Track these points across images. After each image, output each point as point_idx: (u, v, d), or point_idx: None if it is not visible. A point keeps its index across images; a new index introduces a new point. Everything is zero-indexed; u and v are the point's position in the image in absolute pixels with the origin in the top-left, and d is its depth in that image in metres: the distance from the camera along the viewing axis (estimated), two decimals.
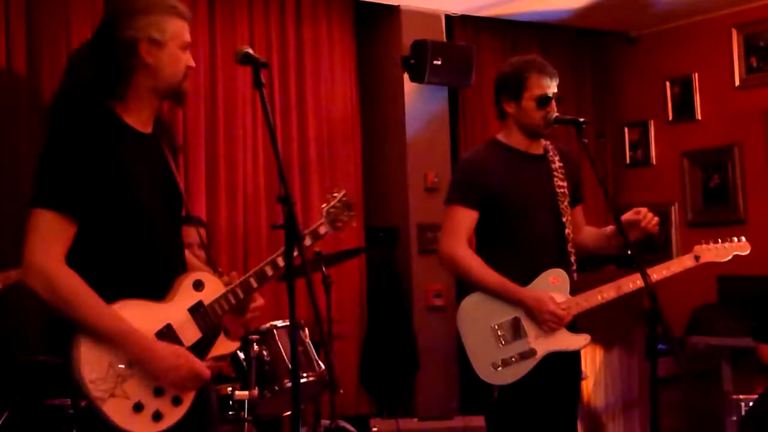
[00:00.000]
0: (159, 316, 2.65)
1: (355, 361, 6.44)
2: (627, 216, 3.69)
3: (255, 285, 2.81)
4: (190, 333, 2.70)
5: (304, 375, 4.60)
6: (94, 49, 2.68)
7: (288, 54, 6.33)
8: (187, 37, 2.75)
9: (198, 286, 2.74)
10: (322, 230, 2.98)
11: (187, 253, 2.92)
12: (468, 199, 3.73)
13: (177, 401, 2.62)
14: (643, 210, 3.68)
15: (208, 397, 2.88)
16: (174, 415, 2.62)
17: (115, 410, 2.52)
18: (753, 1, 6.81)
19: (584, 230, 3.99)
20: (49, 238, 2.54)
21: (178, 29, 2.71)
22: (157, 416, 2.58)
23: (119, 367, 2.55)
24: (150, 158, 2.74)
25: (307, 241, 2.93)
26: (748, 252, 3.85)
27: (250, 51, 2.72)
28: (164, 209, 2.75)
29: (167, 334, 2.64)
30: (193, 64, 2.77)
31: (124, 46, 2.65)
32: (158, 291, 2.68)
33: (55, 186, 2.56)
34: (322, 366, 4.71)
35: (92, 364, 2.52)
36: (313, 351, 4.80)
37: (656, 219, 3.70)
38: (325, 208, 3.01)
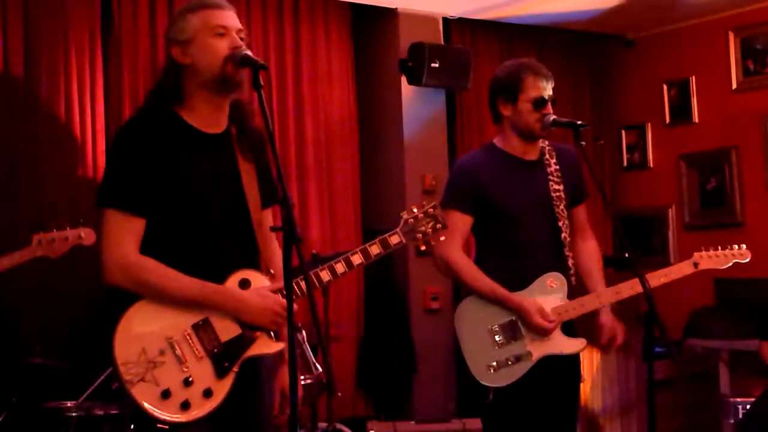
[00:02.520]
0: (201, 308, 2.76)
1: (352, 364, 6.43)
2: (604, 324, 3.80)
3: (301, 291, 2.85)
4: (229, 329, 2.78)
5: (302, 377, 4.59)
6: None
7: (285, 56, 6.33)
8: (220, 22, 2.80)
9: (244, 284, 2.82)
10: (394, 240, 3.01)
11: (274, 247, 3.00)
12: (462, 204, 3.74)
13: (208, 394, 2.71)
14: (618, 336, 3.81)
15: (260, 393, 2.93)
16: (204, 407, 2.71)
17: (143, 394, 2.66)
18: (750, 4, 6.81)
19: (580, 248, 3.95)
20: (120, 235, 2.72)
21: (203, 20, 2.80)
22: (185, 405, 2.69)
23: (151, 354, 2.69)
24: (212, 157, 2.83)
25: (376, 250, 2.96)
26: (747, 260, 3.85)
27: (249, 53, 2.73)
28: (225, 207, 2.84)
29: (203, 326, 2.76)
30: (239, 43, 2.80)
31: (166, 59, 2.88)
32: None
33: (116, 186, 2.74)
34: (320, 368, 4.71)
35: (125, 348, 2.67)
36: (311, 353, 4.80)
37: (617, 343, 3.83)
38: (404, 217, 3.02)
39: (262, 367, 2.92)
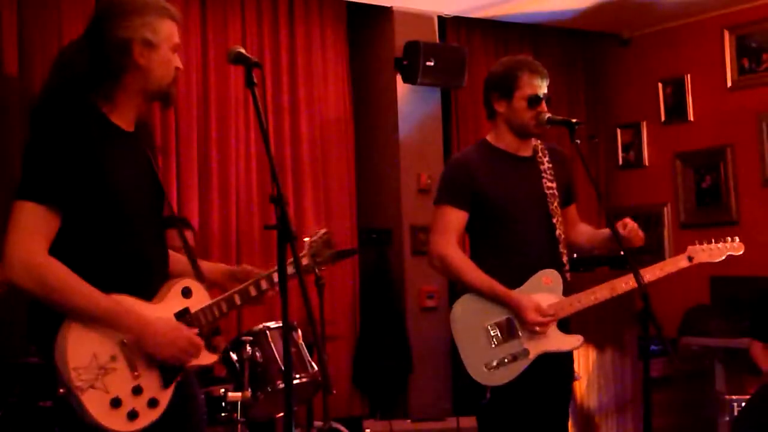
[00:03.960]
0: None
1: (348, 363, 6.44)
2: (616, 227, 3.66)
3: (238, 302, 2.82)
4: None
5: (297, 376, 4.59)
6: (86, 47, 2.67)
7: (280, 55, 6.33)
8: (177, 39, 2.75)
9: (187, 293, 2.76)
10: (304, 261, 2.95)
11: (174, 254, 2.93)
12: (457, 199, 3.72)
13: (153, 403, 2.62)
14: (630, 224, 3.68)
15: (194, 401, 2.88)
16: (148, 416, 2.61)
17: (92, 402, 2.52)
18: (745, 2, 6.82)
19: (578, 228, 3.99)
20: (31, 230, 2.51)
21: (169, 31, 2.72)
22: (133, 415, 2.57)
23: (102, 360, 2.55)
24: (133, 156, 2.73)
25: (290, 270, 2.81)
26: (741, 252, 3.85)
27: (242, 50, 2.72)
28: (147, 207, 2.75)
29: None
30: (181, 66, 2.78)
31: (117, 45, 2.65)
32: (139, 288, 2.66)
33: (36, 178, 2.54)
34: (315, 367, 4.70)
35: (77, 353, 2.52)
36: (306, 352, 4.79)
37: (641, 234, 3.70)
38: (308, 241, 3.00)
39: (191, 376, 2.87)
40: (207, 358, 2.80)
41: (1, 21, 5.22)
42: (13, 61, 5.24)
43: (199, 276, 2.84)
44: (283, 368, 4.35)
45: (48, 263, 2.51)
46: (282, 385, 4.45)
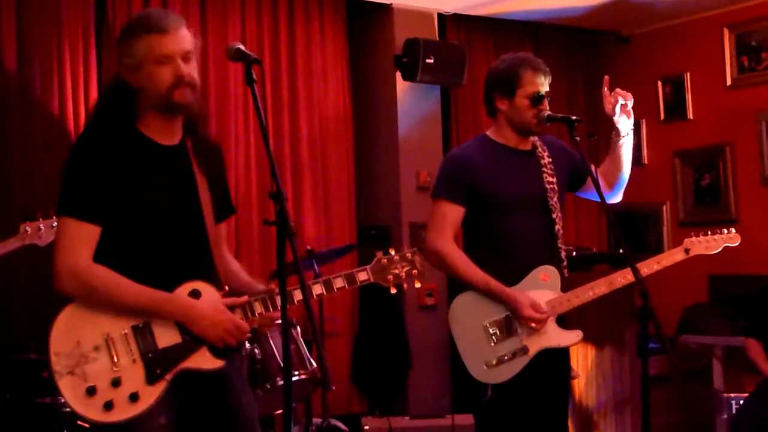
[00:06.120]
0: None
1: (347, 360, 6.44)
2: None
3: (259, 310, 2.84)
4: (169, 336, 2.75)
5: (296, 373, 4.59)
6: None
7: (280, 52, 6.32)
8: (163, 51, 2.76)
9: (195, 295, 2.78)
10: (361, 276, 2.99)
11: (235, 270, 3.03)
12: (454, 194, 3.72)
13: (134, 398, 2.67)
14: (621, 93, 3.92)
15: (232, 406, 2.89)
16: (127, 410, 2.67)
17: (68, 387, 2.65)
18: (745, 0, 6.82)
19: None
20: (74, 243, 2.70)
21: (147, 47, 2.76)
22: (108, 406, 2.65)
23: (85, 348, 2.66)
24: (169, 168, 2.83)
25: (339, 284, 2.93)
26: (737, 243, 3.85)
27: (242, 47, 2.73)
28: (179, 218, 2.82)
29: (142, 329, 2.73)
30: (182, 72, 2.77)
31: (116, 76, 2.85)
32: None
33: (75, 196, 2.73)
34: (314, 364, 4.71)
35: (60, 338, 2.67)
36: (305, 349, 4.80)
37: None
38: (378, 257, 3.00)
39: (232, 378, 2.89)
40: (212, 363, 2.79)
41: (1, 16, 5.21)
42: (12, 57, 5.23)
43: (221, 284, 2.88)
44: (282, 365, 4.35)
45: (91, 269, 2.70)
46: (281, 382, 4.45)
